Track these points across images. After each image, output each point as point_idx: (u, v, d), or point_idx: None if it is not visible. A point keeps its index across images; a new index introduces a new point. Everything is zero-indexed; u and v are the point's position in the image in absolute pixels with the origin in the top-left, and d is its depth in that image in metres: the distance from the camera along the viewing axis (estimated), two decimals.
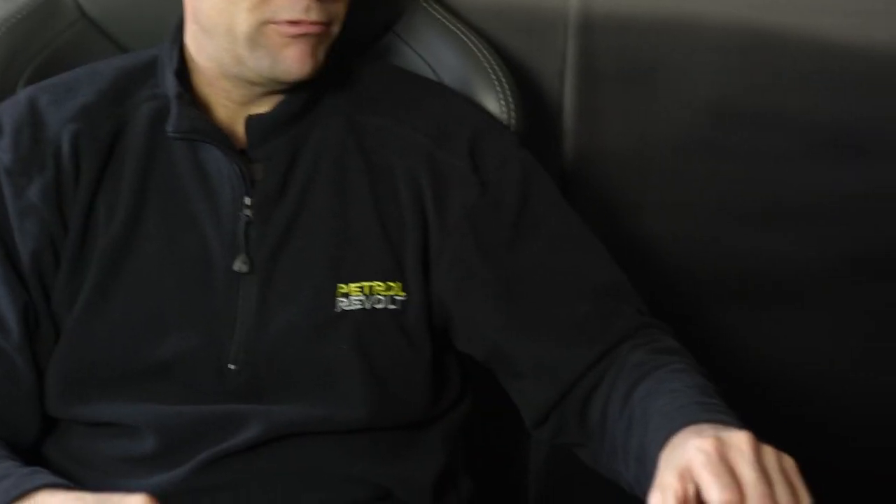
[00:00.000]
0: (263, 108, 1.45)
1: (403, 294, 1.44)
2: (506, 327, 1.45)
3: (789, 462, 1.15)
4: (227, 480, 1.40)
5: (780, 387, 1.93)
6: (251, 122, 1.44)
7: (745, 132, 1.81)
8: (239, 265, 1.41)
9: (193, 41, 1.46)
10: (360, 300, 1.42)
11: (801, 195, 1.85)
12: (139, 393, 1.41)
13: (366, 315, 1.42)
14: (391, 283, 1.43)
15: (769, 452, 1.14)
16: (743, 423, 1.26)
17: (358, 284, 1.42)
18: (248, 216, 1.42)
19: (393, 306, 1.43)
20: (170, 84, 1.45)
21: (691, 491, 1.11)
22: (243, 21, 1.39)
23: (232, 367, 1.41)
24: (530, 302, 1.45)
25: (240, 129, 1.45)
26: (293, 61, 1.40)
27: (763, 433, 1.17)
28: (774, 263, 1.89)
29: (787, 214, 1.87)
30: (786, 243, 1.88)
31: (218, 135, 1.42)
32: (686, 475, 1.12)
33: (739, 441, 1.13)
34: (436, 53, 1.63)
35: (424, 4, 1.66)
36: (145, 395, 1.41)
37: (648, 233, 1.83)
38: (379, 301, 1.43)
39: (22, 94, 1.50)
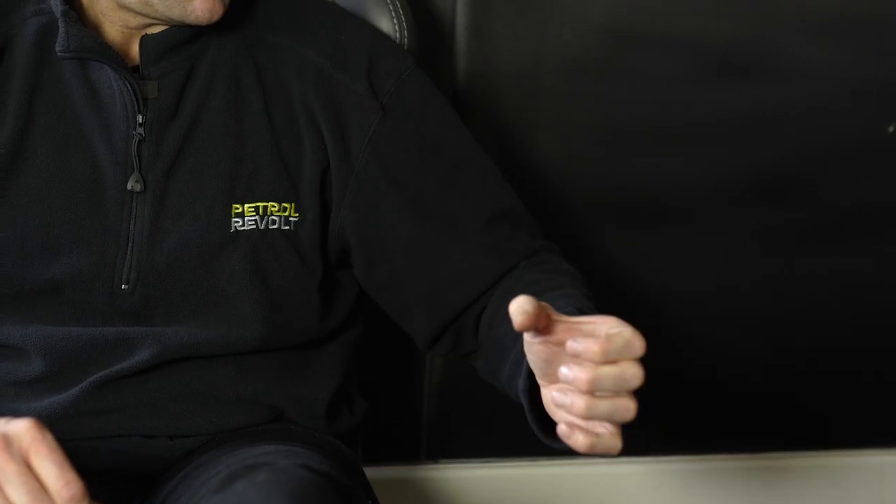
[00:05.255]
0: (159, 28, 1.42)
1: (297, 215, 1.43)
2: (408, 252, 1.45)
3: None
4: (118, 403, 1.39)
5: (667, 303, 1.96)
6: (146, 40, 1.41)
7: (636, 55, 1.83)
8: (132, 184, 1.39)
9: None
10: (254, 220, 1.41)
11: (689, 117, 1.88)
12: (28, 314, 1.39)
13: (260, 235, 1.41)
14: (285, 204, 1.42)
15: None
16: None
17: (252, 205, 1.41)
18: (140, 134, 1.39)
19: (286, 227, 1.42)
20: (54, 2, 1.41)
21: None
22: None
23: (124, 287, 1.39)
24: (431, 231, 1.45)
25: (134, 47, 1.42)
26: (203, 11, 1.37)
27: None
28: (664, 184, 1.92)
29: (677, 137, 1.89)
30: (674, 165, 1.90)
31: (108, 53, 1.39)
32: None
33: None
34: None
35: None
36: (34, 316, 1.39)
37: (540, 154, 1.84)
38: (273, 222, 1.42)
39: None
